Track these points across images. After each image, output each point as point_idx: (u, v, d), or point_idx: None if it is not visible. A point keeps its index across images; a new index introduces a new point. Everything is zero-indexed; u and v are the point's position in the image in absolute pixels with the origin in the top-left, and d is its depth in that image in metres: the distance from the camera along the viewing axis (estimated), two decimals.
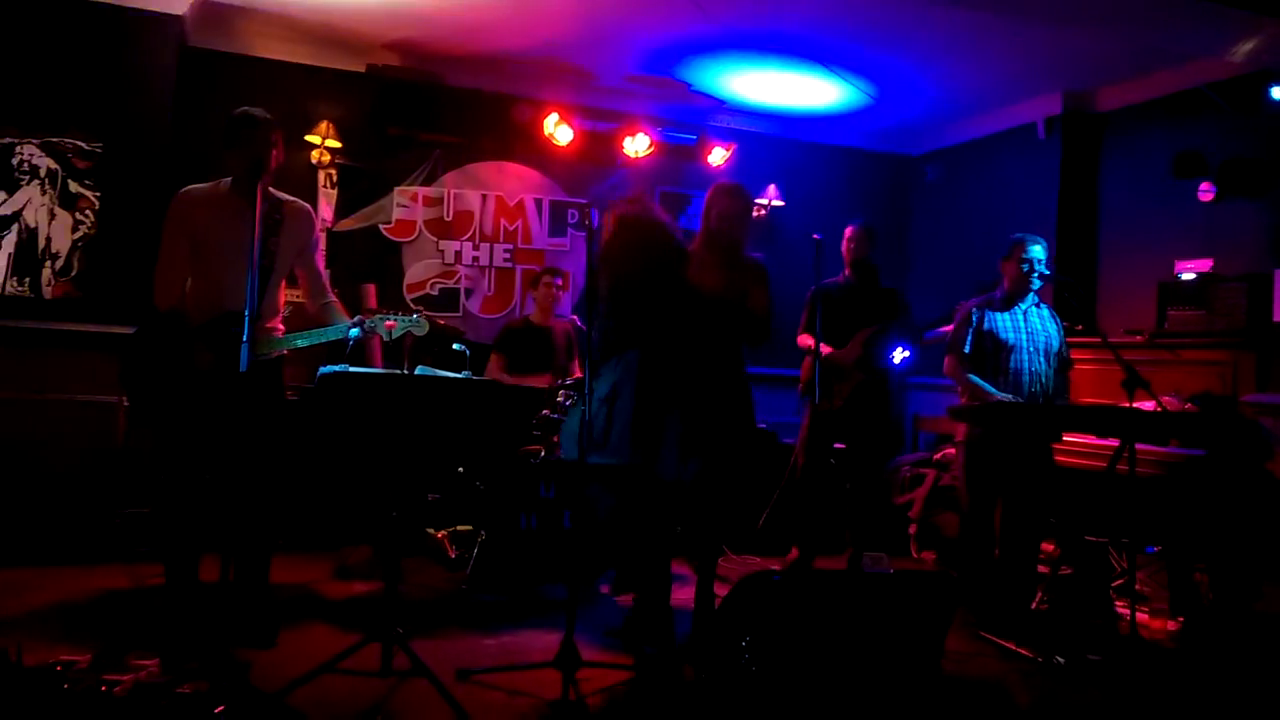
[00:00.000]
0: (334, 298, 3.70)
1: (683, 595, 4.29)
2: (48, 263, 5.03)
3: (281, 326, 3.63)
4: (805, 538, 5.10)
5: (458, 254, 6.27)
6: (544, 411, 4.71)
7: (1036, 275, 4.24)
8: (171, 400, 3.38)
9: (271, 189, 3.54)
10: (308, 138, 5.60)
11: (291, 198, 3.66)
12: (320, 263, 3.71)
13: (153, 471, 4.66)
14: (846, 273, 5.15)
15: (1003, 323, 4.26)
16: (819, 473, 4.97)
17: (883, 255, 5.14)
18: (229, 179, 3.49)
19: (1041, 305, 4.36)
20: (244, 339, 2.87)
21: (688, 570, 4.96)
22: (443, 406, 3.20)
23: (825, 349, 4.73)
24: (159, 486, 3.61)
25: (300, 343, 3.54)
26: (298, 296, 3.82)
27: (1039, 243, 4.28)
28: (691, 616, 3.97)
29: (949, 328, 4.66)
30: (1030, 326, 4.28)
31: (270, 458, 3.52)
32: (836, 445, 4.85)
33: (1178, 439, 4.14)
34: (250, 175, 3.26)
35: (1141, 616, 4.25)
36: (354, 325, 3.41)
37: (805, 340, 4.99)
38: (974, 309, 4.35)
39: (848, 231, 5.16)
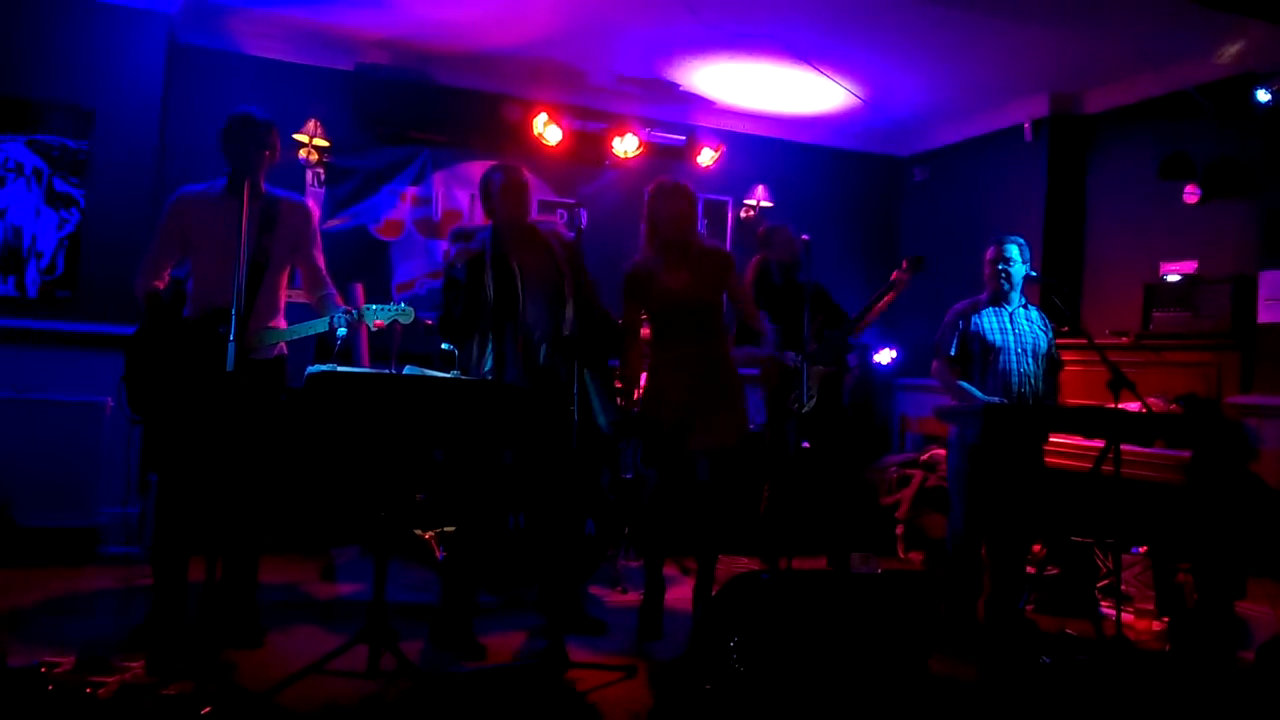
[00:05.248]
0: (333, 289, 3.70)
1: (674, 595, 4.29)
2: (32, 261, 5.00)
3: (284, 323, 3.63)
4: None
5: (446, 253, 6.25)
6: None
7: (1013, 272, 4.26)
8: (170, 398, 3.36)
9: (268, 186, 3.54)
10: (296, 136, 5.58)
11: (288, 193, 3.65)
12: (319, 257, 3.70)
13: (143, 471, 4.64)
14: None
15: (989, 325, 4.27)
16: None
17: (871, 257, 5.15)
18: (224, 178, 3.48)
19: (1029, 306, 4.37)
20: (230, 338, 2.87)
21: (676, 570, 4.97)
22: (431, 406, 3.20)
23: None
24: (154, 486, 3.60)
25: (288, 336, 3.54)
26: (294, 296, 3.81)
27: (1015, 241, 4.30)
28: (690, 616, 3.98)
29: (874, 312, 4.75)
30: (1018, 328, 4.29)
31: (260, 457, 3.51)
32: (804, 444, 4.86)
33: (1163, 440, 4.17)
34: (240, 175, 3.26)
35: (1127, 617, 4.28)
36: (339, 315, 3.43)
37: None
38: (959, 312, 4.37)
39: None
